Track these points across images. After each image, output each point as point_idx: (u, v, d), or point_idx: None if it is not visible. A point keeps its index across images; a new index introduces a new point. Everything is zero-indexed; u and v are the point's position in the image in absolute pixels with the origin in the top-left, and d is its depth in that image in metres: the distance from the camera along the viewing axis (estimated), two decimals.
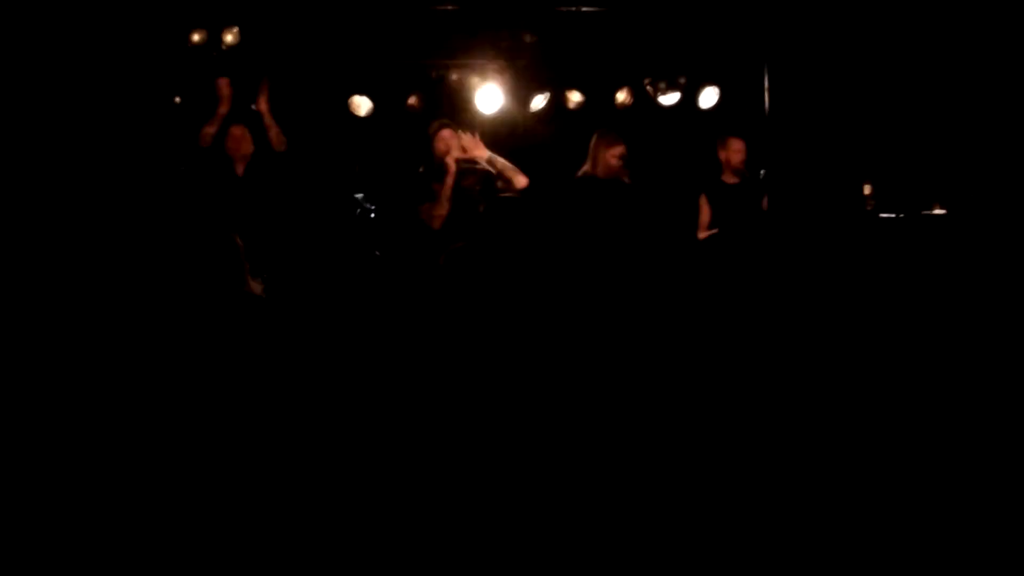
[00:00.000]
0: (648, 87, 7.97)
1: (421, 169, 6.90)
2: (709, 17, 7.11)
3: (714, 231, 7.13)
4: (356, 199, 3.74)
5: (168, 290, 2.71)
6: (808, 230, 5.39)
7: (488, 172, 6.55)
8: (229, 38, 7.41)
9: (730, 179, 7.31)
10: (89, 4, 6.40)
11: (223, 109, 7.18)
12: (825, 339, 3.18)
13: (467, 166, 6.57)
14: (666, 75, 7.91)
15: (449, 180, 6.47)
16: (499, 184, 6.53)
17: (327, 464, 2.73)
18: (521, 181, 6.55)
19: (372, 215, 3.70)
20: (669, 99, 7.97)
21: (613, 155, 6.81)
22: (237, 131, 7.17)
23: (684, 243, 6.87)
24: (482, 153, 6.64)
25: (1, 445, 1.68)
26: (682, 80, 7.90)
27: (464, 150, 6.62)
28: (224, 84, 7.34)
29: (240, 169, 7.09)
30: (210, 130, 7.16)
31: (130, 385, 2.07)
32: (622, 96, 8.00)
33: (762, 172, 7.15)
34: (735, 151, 7.31)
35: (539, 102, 7.87)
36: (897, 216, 6.39)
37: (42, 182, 5.91)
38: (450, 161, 6.51)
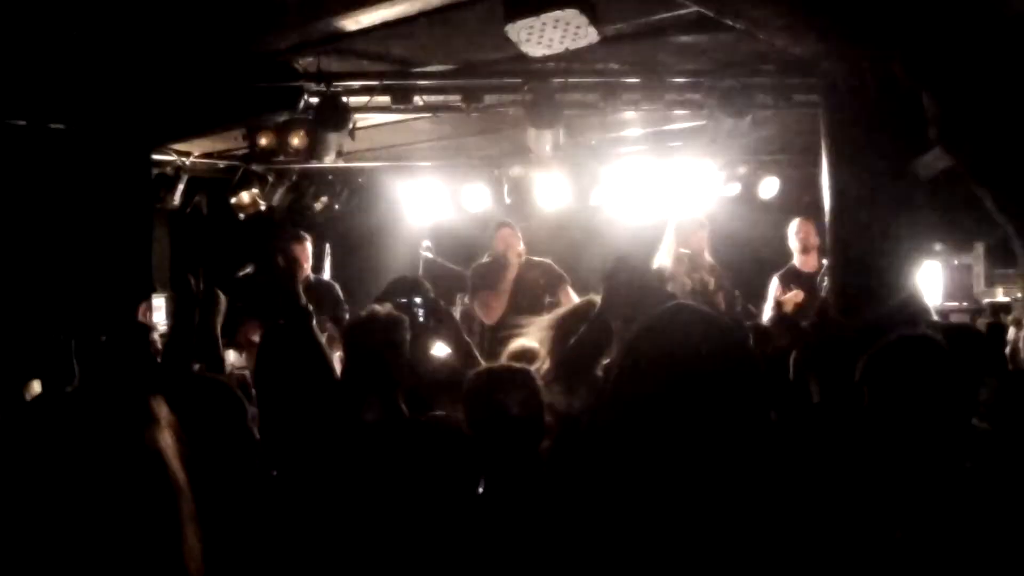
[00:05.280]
0: None
1: (484, 259, 6.93)
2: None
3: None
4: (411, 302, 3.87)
5: None
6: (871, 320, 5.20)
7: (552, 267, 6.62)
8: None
9: (806, 265, 7.00)
10: None
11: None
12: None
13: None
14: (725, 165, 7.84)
15: (510, 274, 6.56)
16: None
17: None
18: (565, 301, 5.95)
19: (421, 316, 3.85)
20: (729, 190, 7.92)
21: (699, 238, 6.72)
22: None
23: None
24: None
25: None
26: (741, 170, 7.86)
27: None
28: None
29: None
30: None
31: None
32: None
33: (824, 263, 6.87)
34: (804, 232, 6.99)
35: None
36: (960, 304, 6.26)
37: None
38: (512, 256, 6.61)
